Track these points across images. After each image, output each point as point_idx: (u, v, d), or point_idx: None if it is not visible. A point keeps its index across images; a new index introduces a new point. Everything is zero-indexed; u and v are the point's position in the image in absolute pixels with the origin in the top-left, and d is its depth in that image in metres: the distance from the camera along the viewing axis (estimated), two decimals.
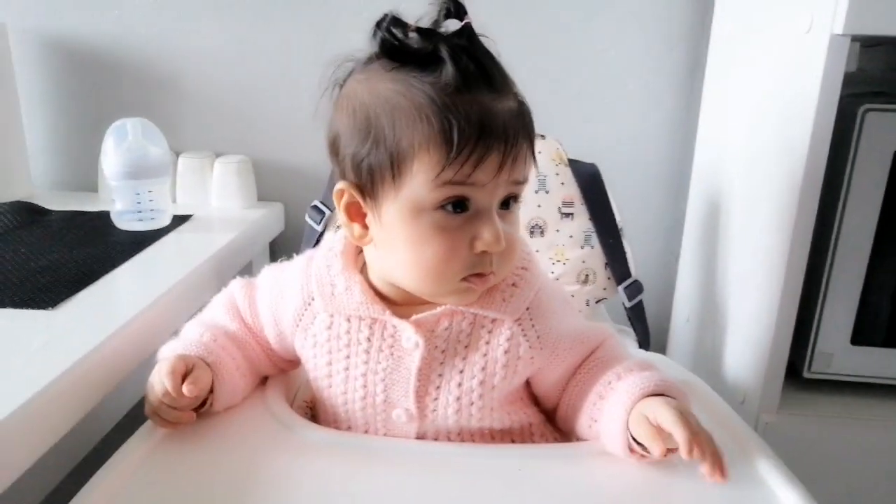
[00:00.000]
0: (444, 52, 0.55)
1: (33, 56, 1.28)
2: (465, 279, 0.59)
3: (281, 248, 1.31)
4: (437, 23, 0.56)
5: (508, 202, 0.59)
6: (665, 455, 0.55)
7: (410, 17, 0.57)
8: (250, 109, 1.29)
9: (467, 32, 0.56)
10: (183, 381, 0.60)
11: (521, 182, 0.59)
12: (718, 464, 0.54)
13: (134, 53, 1.27)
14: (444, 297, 0.61)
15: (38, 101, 1.31)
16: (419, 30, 0.56)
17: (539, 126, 0.96)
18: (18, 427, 0.57)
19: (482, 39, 0.57)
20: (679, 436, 0.54)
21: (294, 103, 1.26)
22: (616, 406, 0.60)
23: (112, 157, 1.01)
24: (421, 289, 0.61)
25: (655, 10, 1.21)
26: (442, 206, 0.57)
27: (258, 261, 1.21)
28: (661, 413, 0.56)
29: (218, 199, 1.23)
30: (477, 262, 0.58)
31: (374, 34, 0.57)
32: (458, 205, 0.57)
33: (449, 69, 0.54)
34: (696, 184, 1.21)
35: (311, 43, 1.23)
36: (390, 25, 0.56)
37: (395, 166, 0.57)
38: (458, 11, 0.56)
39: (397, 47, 0.56)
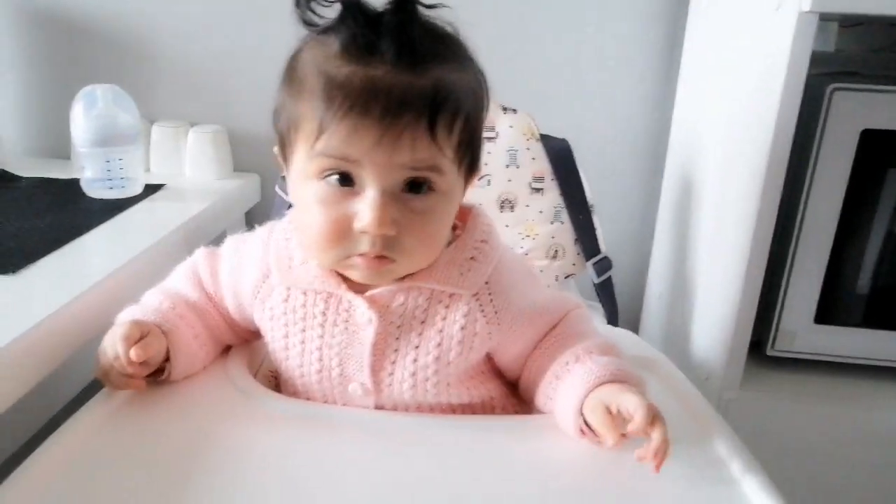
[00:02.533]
0: (340, 21, 0.54)
1: (3, 21, 1.26)
2: (350, 256, 0.58)
3: (257, 219, 1.27)
4: None
5: (421, 185, 0.56)
6: (618, 444, 0.55)
7: None
8: (227, 78, 1.28)
9: (400, 3, 0.53)
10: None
11: (418, 167, 0.55)
12: (661, 452, 0.53)
13: (108, 19, 1.25)
14: (339, 270, 0.61)
15: (9, 66, 1.29)
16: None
17: (515, 101, 0.97)
18: None
19: (432, 11, 0.55)
20: (639, 415, 0.53)
21: (272, 73, 1.23)
22: (570, 391, 0.59)
23: (81, 124, 1.00)
24: (313, 257, 0.62)
25: None
26: (325, 178, 0.56)
27: (233, 232, 1.18)
28: (624, 398, 0.55)
29: (192, 169, 1.22)
30: (357, 242, 0.57)
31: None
32: (342, 178, 0.55)
33: (338, 38, 0.54)
34: (672, 161, 1.22)
35: (289, 10, 1.21)
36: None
37: (290, 132, 0.57)
38: None
39: (305, 21, 0.56)
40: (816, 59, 0.78)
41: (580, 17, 1.21)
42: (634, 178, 1.31)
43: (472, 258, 0.62)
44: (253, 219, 1.30)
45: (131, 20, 1.25)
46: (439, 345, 0.62)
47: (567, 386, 0.60)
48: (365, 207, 0.55)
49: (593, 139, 1.25)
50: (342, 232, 0.56)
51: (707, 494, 0.55)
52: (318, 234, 0.57)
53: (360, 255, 0.57)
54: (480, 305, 0.62)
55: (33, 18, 1.26)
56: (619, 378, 0.58)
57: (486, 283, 0.62)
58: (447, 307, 0.62)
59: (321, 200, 0.56)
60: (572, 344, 0.63)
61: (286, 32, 0.57)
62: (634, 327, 1.30)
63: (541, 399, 0.64)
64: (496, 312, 0.62)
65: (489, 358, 0.67)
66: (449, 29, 0.57)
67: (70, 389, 0.76)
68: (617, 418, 0.55)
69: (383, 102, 0.52)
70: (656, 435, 0.53)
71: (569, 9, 1.21)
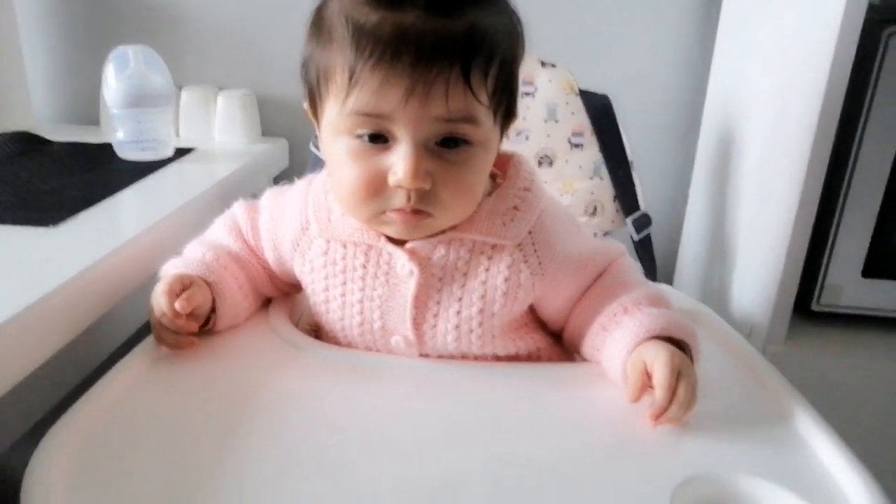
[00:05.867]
0: None
1: None
2: (386, 212, 0.57)
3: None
4: None
5: (457, 140, 0.55)
6: (633, 401, 0.54)
7: None
8: (255, 42, 1.27)
9: None
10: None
11: (453, 119, 0.53)
12: (657, 413, 0.53)
13: None
14: (373, 225, 0.60)
15: (38, 30, 1.28)
16: None
17: (552, 56, 0.95)
18: (18, 333, 0.57)
19: None
20: (658, 395, 0.53)
21: (300, 37, 1.22)
22: (618, 344, 0.58)
23: (113, 85, 0.99)
24: (348, 213, 0.61)
25: None
26: (358, 135, 0.54)
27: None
28: (658, 364, 0.54)
29: (221, 133, 1.21)
30: (392, 196, 0.55)
31: None
32: (373, 137, 0.54)
33: None
34: (708, 118, 1.19)
35: None
36: None
37: (320, 87, 0.56)
38: None
39: None
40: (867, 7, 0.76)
41: None
42: (669, 136, 1.28)
43: (514, 207, 0.61)
44: (281, 184, 1.29)
45: None
46: (483, 297, 0.61)
47: (614, 339, 0.59)
48: (399, 161, 0.53)
49: (629, 97, 1.22)
50: (376, 187, 0.55)
51: (763, 436, 0.54)
52: (352, 190, 0.56)
53: (396, 210, 0.56)
54: (524, 256, 0.61)
55: None
56: (669, 332, 0.57)
57: (530, 232, 0.61)
58: (490, 258, 0.61)
59: (354, 155, 0.55)
60: (619, 294, 0.62)
61: None
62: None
63: (587, 350, 0.63)
64: (540, 263, 0.61)
65: (532, 309, 0.66)
66: None
67: (115, 340, 0.76)
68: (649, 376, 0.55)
69: (414, 50, 0.50)
70: (675, 399, 0.53)
71: None
